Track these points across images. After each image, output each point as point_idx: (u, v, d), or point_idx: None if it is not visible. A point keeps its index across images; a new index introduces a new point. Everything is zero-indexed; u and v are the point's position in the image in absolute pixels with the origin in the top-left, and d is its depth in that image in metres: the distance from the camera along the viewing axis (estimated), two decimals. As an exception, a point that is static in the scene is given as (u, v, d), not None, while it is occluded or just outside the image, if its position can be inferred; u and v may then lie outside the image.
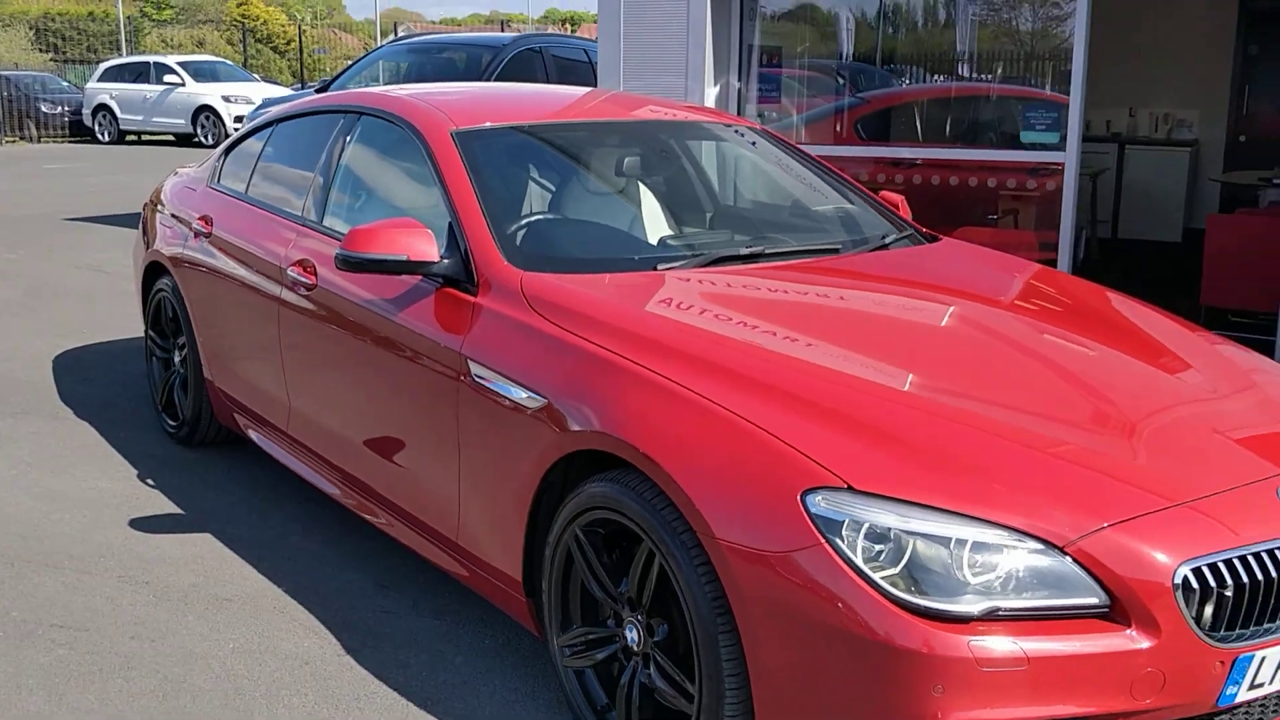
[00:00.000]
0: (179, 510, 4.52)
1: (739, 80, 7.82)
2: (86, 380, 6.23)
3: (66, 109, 26.42)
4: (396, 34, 29.52)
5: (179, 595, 3.79)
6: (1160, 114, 12.22)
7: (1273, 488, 2.54)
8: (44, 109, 26.26)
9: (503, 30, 29.92)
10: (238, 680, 3.29)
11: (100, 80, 25.58)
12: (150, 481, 4.81)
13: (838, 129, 8.03)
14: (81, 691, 3.23)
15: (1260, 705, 2.55)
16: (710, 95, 7.61)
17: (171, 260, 5.17)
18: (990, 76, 7.84)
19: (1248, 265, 7.26)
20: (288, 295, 4.17)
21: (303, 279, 4.05)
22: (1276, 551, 2.42)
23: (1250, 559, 2.40)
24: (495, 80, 10.65)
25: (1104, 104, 12.38)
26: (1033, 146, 7.10)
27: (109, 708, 3.15)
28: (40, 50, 37.84)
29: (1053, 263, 7.01)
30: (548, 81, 10.67)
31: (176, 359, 5.26)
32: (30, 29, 39.93)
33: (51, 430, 5.43)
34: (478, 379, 3.20)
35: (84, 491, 4.68)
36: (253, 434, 4.68)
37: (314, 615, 3.67)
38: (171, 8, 59.48)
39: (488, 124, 3.99)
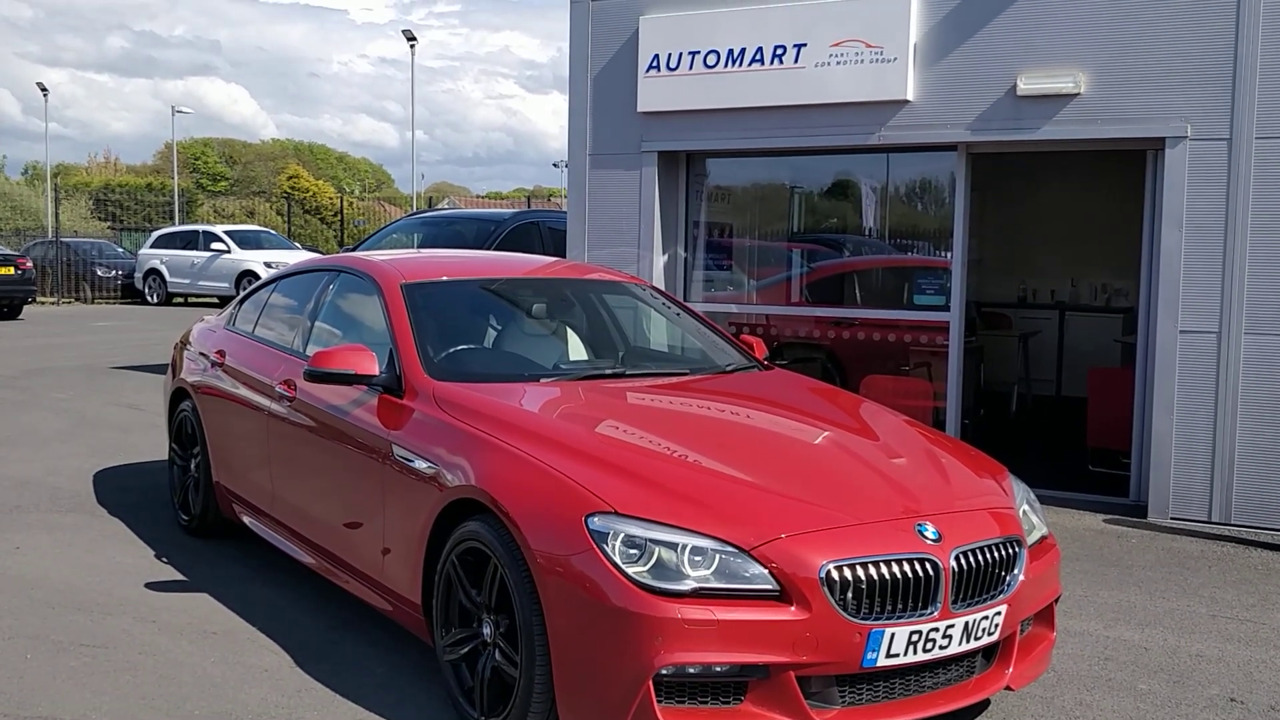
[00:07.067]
0: (184, 578, 5.72)
1: (685, 251, 9.20)
2: (119, 490, 7.52)
3: (120, 273, 28.51)
4: (430, 207, 31.60)
5: (177, 629, 4.97)
6: (1099, 284, 13.50)
7: (910, 523, 3.70)
8: (99, 273, 28.40)
9: (528, 205, 32.17)
10: (214, 679, 4.45)
11: (152, 246, 27.62)
12: (165, 559, 6.03)
13: (750, 295, 9.38)
14: (99, 683, 4.39)
15: (931, 675, 3.67)
16: (659, 263, 8.97)
17: (193, 386, 6.49)
18: (907, 250, 9.14)
19: (1122, 412, 8.39)
20: (275, 407, 5.44)
21: (286, 393, 5.33)
22: (892, 562, 3.57)
23: (883, 565, 3.55)
24: (497, 248, 12.13)
25: (1048, 275, 13.73)
26: (924, 308, 8.40)
27: (118, 691, 4.31)
28: (99, 219, 40.40)
29: (942, 410, 8.23)
30: (543, 248, 12.13)
31: (192, 465, 6.52)
32: (90, 199, 42.68)
33: (88, 523, 6.68)
34: (398, 457, 4.43)
35: (111, 564, 5.89)
36: (246, 519, 5.90)
37: (276, 643, 4.84)
38: (226, 179, 62.79)
39: (429, 279, 5.32)
